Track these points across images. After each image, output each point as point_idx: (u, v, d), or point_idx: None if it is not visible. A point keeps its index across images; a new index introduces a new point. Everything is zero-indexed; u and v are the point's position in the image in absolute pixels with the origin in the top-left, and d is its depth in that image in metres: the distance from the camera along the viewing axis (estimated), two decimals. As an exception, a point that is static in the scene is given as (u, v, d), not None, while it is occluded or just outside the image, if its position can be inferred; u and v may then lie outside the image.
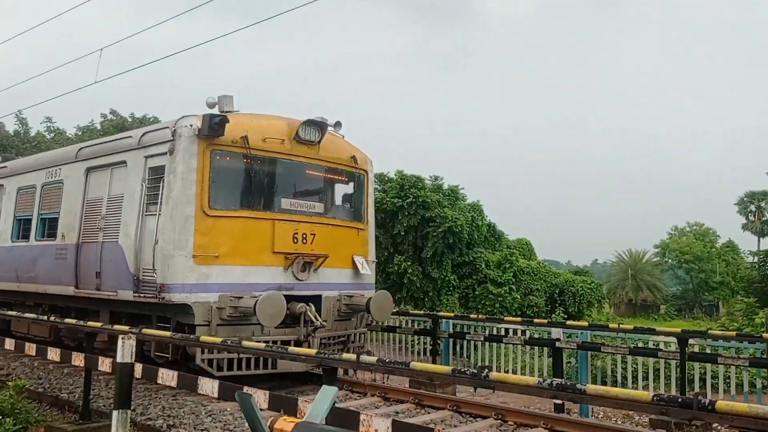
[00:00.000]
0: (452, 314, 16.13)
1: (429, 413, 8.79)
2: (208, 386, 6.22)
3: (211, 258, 9.51)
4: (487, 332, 13.24)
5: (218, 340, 8.01)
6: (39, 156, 15.36)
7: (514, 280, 25.08)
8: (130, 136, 11.28)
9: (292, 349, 7.41)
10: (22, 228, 13.60)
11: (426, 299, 24.17)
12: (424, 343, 14.82)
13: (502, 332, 12.88)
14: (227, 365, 9.27)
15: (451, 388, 10.27)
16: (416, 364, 5.82)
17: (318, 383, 7.57)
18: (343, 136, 11.72)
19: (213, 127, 9.44)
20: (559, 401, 9.38)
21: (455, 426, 8.02)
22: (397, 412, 8.53)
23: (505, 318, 15.85)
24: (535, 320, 15.07)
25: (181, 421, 7.85)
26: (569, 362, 12.57)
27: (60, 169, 12.56)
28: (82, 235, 11.32)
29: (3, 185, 14.50)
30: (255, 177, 10.35)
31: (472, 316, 16.90)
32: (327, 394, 3.21)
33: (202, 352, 9.04)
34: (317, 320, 9.97)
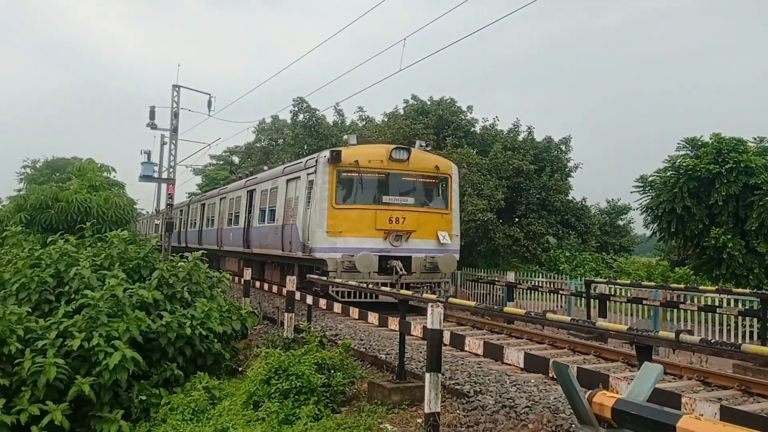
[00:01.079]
0: (787, 294, 13.82)
1: (759, 402, 7.70)
2: (514, 356, 6.26)
3: (337, 233, 15.65)
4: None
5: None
6: (269, 172, 22.64)
7: None
8: (302, 162, 17.92)
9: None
10: (264, 215, 20.43)
11: (751, 277, 21.17)
12: (750, 327, 13.01)
13: None
14: (348, 294, 15.07)
15: (789, 377, 8.86)
16: (749, 347, 5.06)
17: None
18: (431, 150, 18.76)
19: (333, 157, 15.96)
20: None
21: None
22: (720, 399, 7.62)
23: None
24: None
25: (487, 389, 8.08)
26: None
27: (276, 180, 19.65)
28: (284, 220, 18.13)
29: (255, 189, 22.06)
30: (364, 183, 16.37)
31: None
32: (650, 372, 2.93)
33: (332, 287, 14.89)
34: (402, 271, 15.55)
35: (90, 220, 16.42)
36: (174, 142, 26.64)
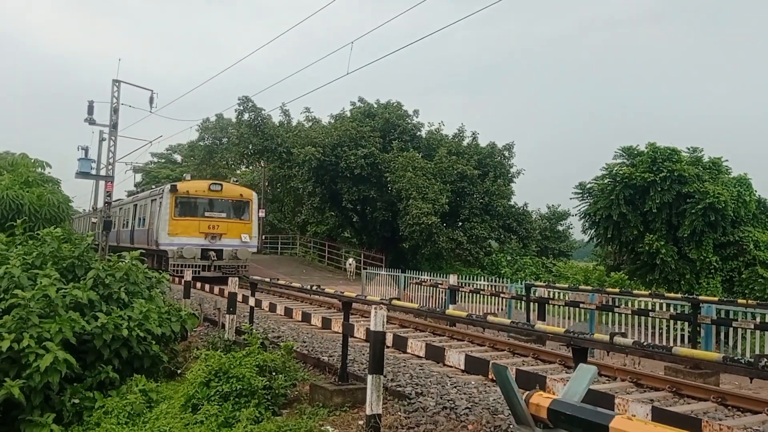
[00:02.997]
0: (716, 299, 14.46)
1: (689, 403, 8.03)
2: (455, 358, 6.34)
3: (175, 234, 24.52)
4: (758, 320, 11.65)
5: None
6: (145, 193, 31.47)
7: (791, 262, 21.74)
8: (158, 190, 27.54)
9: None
10: (142, 222, 29.11)
11: (682, 282, 22.10)
12: (681, 330, 13.54)
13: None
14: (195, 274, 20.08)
15: (714, 378, 9.29)
16: (680, 349, 5.27)
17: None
18: (239, 184, 32.04)
19: (172, 189, 25.23)
20: None
21: (721, 419, 7.18)
22: (652, 400, 7.92)
23: (783, 305, 13.76)
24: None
25: (429, 390, 8.15)
26: None
27: (146, 199, 28.75)
28: (149, 225, 27.27)
29: (138, 203, 30.33)
30: (191, 204, 25.65)
31: (740, 301, 15.00)
32: (585, 374, 3.02)
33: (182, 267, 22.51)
34: (215, 258, 24.67)
35: (22, 217, 15.77)
36: (113, 138, 25.88)
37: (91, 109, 25.80)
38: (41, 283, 9.68)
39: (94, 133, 33.38)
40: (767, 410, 7.25)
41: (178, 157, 68.15)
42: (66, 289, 10.01)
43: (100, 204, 29.56)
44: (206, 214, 25.73)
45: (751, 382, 9.04)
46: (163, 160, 68.71)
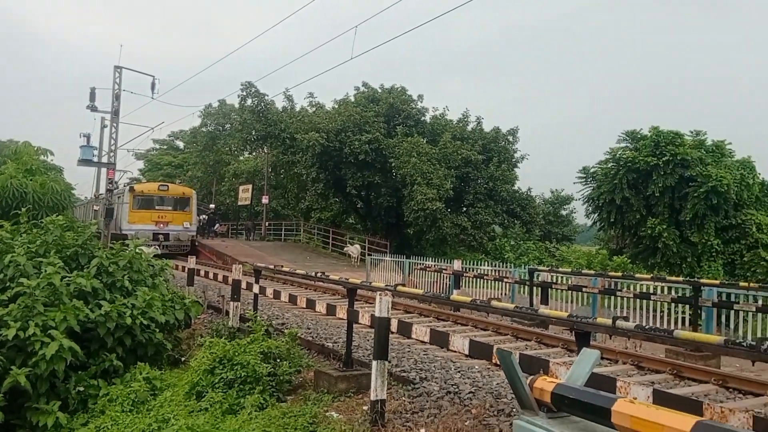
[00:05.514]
0: (717, 282, 14.46)
1: (690, 386, 8.06)
2: (459, 343, 6.34)
3: (133, 222, 32.57)
4: (759, 302, 11.65)
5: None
6: (119, 189, 34.37)
7: (795, 245, 21.70)
8: (122, 190, 34.33)
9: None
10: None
11: (684, 265, 22.09)
12: (682, 313, 13.56)
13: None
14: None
15: (715, 360, 9.31)
16: (681, 332, 5.27)
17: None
18: (182, 184, 45.32)
19: (131, 189, 34.46)
20: None
21: (722, 402, 7.21)
22: (653, 382, 7.94)
23: (786, 287, 13.75)
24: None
25: (432, 375, 8.19)
26: None
27: (119, 196, 31.84)
28: (117, 215, 30.47)
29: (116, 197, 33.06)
30: (146, 200, 34.05)
31: (741, 284, 15.00)
32: (588, 358, 3.03)
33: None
34: (162, 239, 32.69)
35: (26, 205, 15.79)
36: (115, 125, 25.87)
37: (93, 96, 25.79)
38: (46, 271, 9.72)
39: (96, 120, 33.40)
40: (770, 393, 7.27)
41: (181, 144, 68.06)
42: (70, 277, 10.05)
43: (102, 190, 29.98)
44: (157, 207, 34.18)
45: (753, 365, 9.06)
46: (165, 147, 68.65)
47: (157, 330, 10.31)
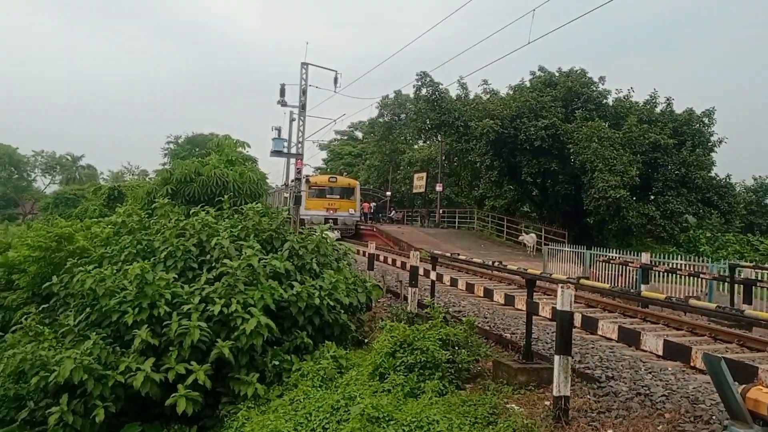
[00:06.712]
0: None
1: None
2: (652, 343, 5.92)
3: (308, 208, 37.33)
4: None
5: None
6: (282, 188, 39.71)
7: None
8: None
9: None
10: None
11: None
12: None
13: None
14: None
15: None
16: None
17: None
18: (346, 176, 51.76)
19: (307, 181, 38.40)
20: None
21: None
22: None
23: None
24: None
25: (620, 375, 7.73)
26: None
27: (283, 192, 38.00)
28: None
29: (289, 191, 34.72)
30: (319, 190, 40.51)
31: None
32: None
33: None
34: (332, 224, 36.04)
35: (227, 193, 17.41)
36: (302, 118, 27.55)
37: (283, 92, 27.66)
38: (246, 253, 10.64)
39: (285, 114, 35.96)
40: None
41: (359, 134, 71.05)
42: (266, 259, 10.91)
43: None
44: (327, 196, 40.03)
45: None
46: (345, 137, 72.11)
47: (342, 311, 10.86)
